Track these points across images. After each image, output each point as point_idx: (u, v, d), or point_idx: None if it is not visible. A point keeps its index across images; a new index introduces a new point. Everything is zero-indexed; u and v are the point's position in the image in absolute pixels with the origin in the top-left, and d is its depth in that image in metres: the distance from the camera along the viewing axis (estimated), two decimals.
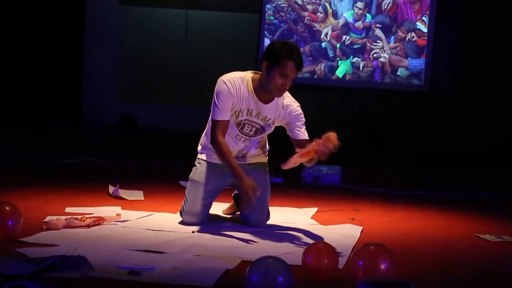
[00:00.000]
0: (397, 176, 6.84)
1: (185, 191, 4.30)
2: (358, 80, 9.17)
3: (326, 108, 9.14)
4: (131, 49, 9.64)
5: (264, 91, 4.07)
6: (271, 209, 4.41)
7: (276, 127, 4.25)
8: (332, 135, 3.88)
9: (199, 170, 4.26)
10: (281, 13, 9.14)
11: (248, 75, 4.13)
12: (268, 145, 4.42)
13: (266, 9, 9.14)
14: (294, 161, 3.97)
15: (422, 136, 8.95)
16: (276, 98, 4.11)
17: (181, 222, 4.25)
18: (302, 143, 4.07)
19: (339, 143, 3.86)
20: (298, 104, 4.22)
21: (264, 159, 4.36)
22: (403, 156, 8.29)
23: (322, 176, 6.12)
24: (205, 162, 4.26)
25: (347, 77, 9.19)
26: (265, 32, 9.15)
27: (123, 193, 5.01)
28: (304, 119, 4.20)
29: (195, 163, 4.32)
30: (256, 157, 4.31)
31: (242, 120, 4.12)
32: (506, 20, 8.84)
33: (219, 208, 4.60)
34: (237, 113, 4.10)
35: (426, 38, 8.98)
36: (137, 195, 5.08)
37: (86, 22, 9.66)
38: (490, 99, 8.91)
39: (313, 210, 4.94)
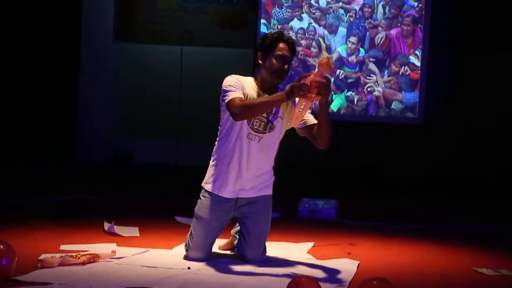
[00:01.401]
0: (393, 209, 6.83)
1: (191, 226, 4.27)
2: (352, 113, 9.20)
3: None
4: (126, 85, 9.68)
5: (267, 83, 4.11)
6: (267, 243, 4.39)
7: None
8: (323, 60, 3.91)
9: (204, 205, 4.22)
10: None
11: (249, 77, 4.22)
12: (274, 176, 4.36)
13: None
14: (300, 111, 3.98)
15: (417, 169, 8.96)
16: (295, 103, 4.10)
17: (186, 257, 4.23)
18: (314, 130, 4.08)
19: (333, 65, 3.88)
20: None
21: (270, 190, 4.32)
22: (398, 189, 8.29)
23: (318, 211, 6.10)
24: (209, 196, 4.21)
25: (342, 111, 9.22)
26: None
27: (118, 229, 4.99)
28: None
29: (200, 195, 4.27)
30: (264, 188, 4.24)
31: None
32: (497, 53, 8.91)
33: (216, 243, 4.58)
34: None
35: (419, 71, 9.04)
36: (132, 231, 5.05)
37: (81, 58, 9.71)
38: (485, 132, 8.94)
39: (310, 244, 4.92)
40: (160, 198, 6.69)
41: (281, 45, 4.07)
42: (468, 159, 8.91)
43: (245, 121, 4.07)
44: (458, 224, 6.03)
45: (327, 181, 8.40)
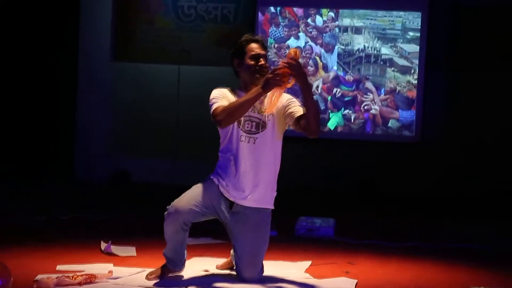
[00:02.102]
0: (390, 227, 6.81)
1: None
2: (349, 132, 9.22)
3: (318, 160, 9.16)
4: (124, 104, 9.68)
5: (252, 85, 4.14)
6: (264, 262, 4.37)
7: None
8: (291, 50, 4.01)
9: (204, 184, 4.18)
10: (272, 66, 9.21)
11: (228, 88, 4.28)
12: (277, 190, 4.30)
13: None
14: (273, 97, 4.08)
15: (415, 186, 8.95)
16: (268, 94, 4.11)
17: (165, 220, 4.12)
18: (303, 120, 4.07)
19: (300, 57, 3.95)
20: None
21: (270, 204, 4.26)
22: (395, 207, 8.28)
23: (316, 229, 6.09)
24: (212, 181, 4.19)
25: (339, 129, 9.24)
26: None
27: (115, 249, 4.97)
28: (296, 101, 4.19)
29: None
30: (262, 200, 4.19)
31: (242, 118, 4.13)
32: (493, 71, 8.95)
33: (213, 263, 4.57)
34: None
35: (416, 90, 9.07)
36: (129, 251, 5.04)
37: (79, 77, 9.72)
38: (481, 149, 8.95)
39: (307, 263, 4.90)
40: (157, 218, 6.66)
41: (252, 45, 4.19)
42: (465, 176, 8.91)
43: (235, 125, 4.12)
44: (456, 241, 6.02)
45: (324, 199, 8.39)
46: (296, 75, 3.95)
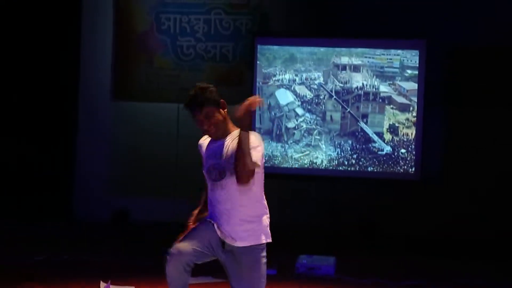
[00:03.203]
0: (391, 266, 6.77)
1: None
2: (349, 170, 9.20)
3: (318, 198, 9.14)
4: (123, 143, 9.69)
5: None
6: None
7: None
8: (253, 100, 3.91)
9: (203, 224, 4.13)
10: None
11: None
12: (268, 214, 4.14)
13: None
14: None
15: (415, 225, 8.90)
16: (228, 135, 4.07)
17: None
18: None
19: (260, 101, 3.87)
20: (255, 133, 4.06)
21: (259, 238, 4.07)
22: (396, 246, 8.23)
23: (317, 267, 6.05)
24: (208, 221, 4.13)
25: (339, 167, 9.23)
26: (256, 123, 9.25)
27: None
28: (257, 149, 3.95)
29: None
30: (251, 236, 4.04)
31: (209, 167, 4.09)
32: (492, 107, 8.97)
33: None
34: (205, 162, 4.12)
35: (415, 127, 9.09)
36: None
37: (79, 117, 9.75)
38: (482, 187, 8.92)
39: None
40: (157, 257, 6.63)
41: (188, 112, 4.20)
42: (466, 215, 8.86)
43: (206, 175, 4.10)
44: (456, 281, 5.98)
45: (325, 238, 8.35)
46: (242, 122, 3.89)
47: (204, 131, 4.12)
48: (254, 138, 3.95)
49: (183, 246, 4.00)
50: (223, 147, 4.07)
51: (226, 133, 4.10)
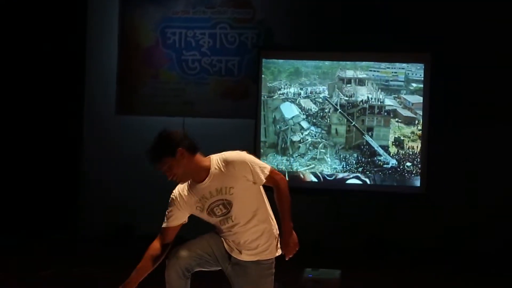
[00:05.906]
0: (397, 280, 6.74)
1: None
2: (355, 183, 9.18)
3: (324, 212, 9.11)
4: (128, 157, 9.67)
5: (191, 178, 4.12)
6: None
7: None
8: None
9: (209, 233, 4.18)
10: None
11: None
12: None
13: (262, 115, 9.29)
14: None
15: (420, 239, 8.86)
16: (211, 171, 4.05)
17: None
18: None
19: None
20: (237, 152, 4.19)
21: (268, 254, 4.08)
22: (403, 260, 8.19)
23: (322, 281, 6.02)
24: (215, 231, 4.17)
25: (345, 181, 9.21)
26: (262, 137, 9.26)
27: None
28: (253, 164, 4.07)
29: None
30: (261, 253, 4.06)
31: (207, 208, 4.05)
32: (497, 121, 8.93)
33: None
34: (199, 207, 4.07)
35: (420, 140, 9.07)
36: None
37: (84, 130, 9.77)
38: (489, 200, 8.88)
39: None
40: (161, 272, 6.60)
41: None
42: (474, 228, 8.82)
43: (208, 216, 4.08)
44: None
45: (330, 252, 8.31)
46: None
47: (172, 180, 4.17)
48: (253, 157, 4.14)
49: (182, 250, 4.01)
50: (209, 188, 4.03)
51: (201, 175, 4.08)
